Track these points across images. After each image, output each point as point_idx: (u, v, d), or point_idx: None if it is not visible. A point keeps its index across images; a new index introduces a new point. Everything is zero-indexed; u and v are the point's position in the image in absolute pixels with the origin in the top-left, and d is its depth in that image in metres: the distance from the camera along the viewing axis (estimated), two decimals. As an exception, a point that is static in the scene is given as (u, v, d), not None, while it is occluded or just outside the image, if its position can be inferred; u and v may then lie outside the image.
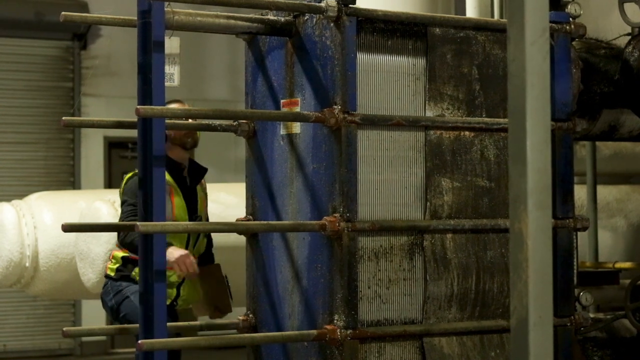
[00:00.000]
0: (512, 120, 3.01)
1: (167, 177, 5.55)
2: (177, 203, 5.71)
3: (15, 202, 7.86)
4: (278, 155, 4.86)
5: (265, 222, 4.90)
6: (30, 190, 9.35)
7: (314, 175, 4.63)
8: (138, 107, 4.31)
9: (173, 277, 5.64)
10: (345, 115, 4.51)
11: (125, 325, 5.12)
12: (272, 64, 4.91)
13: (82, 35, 11.97)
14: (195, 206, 5.82)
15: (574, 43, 5.20)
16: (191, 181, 5.88)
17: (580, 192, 8.62)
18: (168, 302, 5.56)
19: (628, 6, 5.66)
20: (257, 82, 5.01)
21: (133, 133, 4.68)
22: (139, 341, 4.22)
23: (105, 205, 7.08)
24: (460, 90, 4.87)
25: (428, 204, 4.75)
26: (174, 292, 5.73)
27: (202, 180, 5.98)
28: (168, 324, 4.49)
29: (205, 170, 5.96)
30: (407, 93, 4.76)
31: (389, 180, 4.69)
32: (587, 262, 8.29)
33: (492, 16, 7.48)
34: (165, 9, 4.48)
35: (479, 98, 4.91)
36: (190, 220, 5.71)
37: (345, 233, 4.48)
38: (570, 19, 5.08)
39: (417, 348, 4.68)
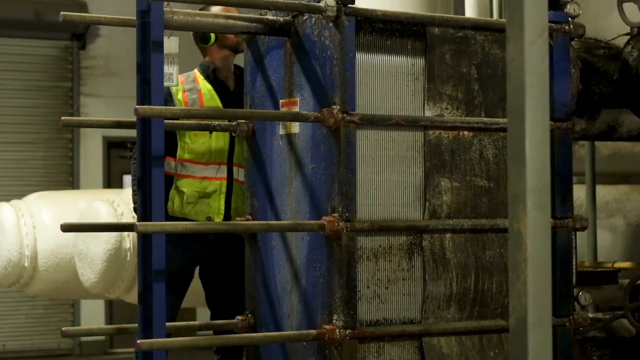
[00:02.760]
0: (511, 120, 3.01)
1: (202, 82, 5.43)
2: (207, 103, 5.41)
3: (15, 202, 7.86)
4: (277, 155, 4.86)
5: (264, 222, 4.90)
6: (29, 190, 9.35)
7: (313, 175, 4.63)
8: (137, 107, 4.31)
9: (211, 187, 5.39)
10: (344, 115, 4.51)
11: (124, 325, 5.11)
12: (271, 64, 4.91)
13: (81, 35, 11.98)
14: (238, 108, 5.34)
15: (573, 43, 5.20)
16: (238, 85, 5.48)
17: (579, 192, 8.62)
18: (219, 219, 5.36)
19: (627, 6, 5.66)
20: (256, 82, 5.01)
21: (132, 133, 4.68)
22: (138, 341, 4.22)
23: (104, 205, 7.08)
24: (459, 90, 4.87)
25: (427, 203, 4.75)
26: (219, 203, 5.40)
27: None
28: (167, 323, 4.49)
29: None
30: (406, 93, 4.76)
31: (388, 180, 4.69)
32: (586, 261, 8.29)
33: (491, 16, 7.48)
34: (164, 8, 4.48)
35: (478, 98, 4.91)
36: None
37: (344, 233, 4.48)
38: (569, 18, 5.08)
39: (416, 348, 4.68)
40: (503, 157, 4.91)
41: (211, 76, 5.47)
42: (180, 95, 5.39)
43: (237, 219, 5.18)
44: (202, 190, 5.36)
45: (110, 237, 6.84)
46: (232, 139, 5.40)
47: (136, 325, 4.53)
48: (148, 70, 4.42)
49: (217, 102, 5.43)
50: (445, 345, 4.74)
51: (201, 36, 5.42)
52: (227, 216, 5.39)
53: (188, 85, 5.43)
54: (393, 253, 4.66)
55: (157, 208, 4.38)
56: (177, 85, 5.12)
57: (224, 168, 5.40)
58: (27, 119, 11.86)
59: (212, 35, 5.41)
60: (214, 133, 5.36)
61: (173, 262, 5.23)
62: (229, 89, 5.49)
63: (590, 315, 5.37)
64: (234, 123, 5.06)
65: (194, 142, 5.38)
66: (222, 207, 5.38)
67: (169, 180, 5.34)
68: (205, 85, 5.44)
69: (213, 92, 5.44)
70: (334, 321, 4.49)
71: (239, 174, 5.41)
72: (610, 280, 6.72)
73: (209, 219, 5.36)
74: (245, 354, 5.09)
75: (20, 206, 7.68)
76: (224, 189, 5.38)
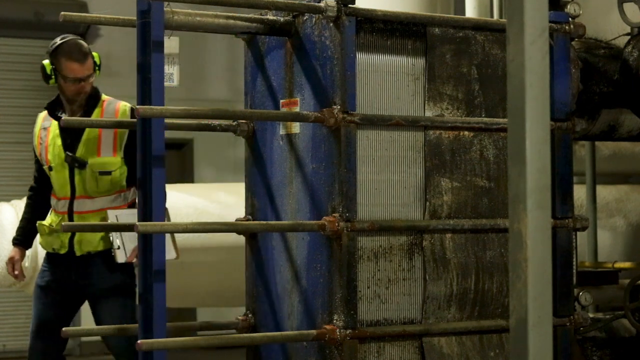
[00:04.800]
0: (511, 120, 3.01)
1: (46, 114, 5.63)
2: (50, 140, 5.59)
3: (15, 202, 7.87)
4: (277, 155, 4.86)
5: (265, 222, 4.90)
6: (29, 190, 9.33)
7: (313, 175, 4.63)
8: (137, 107, 4.31)
9: (58, 221, 5.56)
10: (345, 115, 4.51)
11: (125, 325, 5.11)
12: (272, 64, 4.91)
13: (81, 35, 11.93)
14: (75, 143, 5.55)
15: (573, 43, 5.20)
16: (86, 114, 5.57)
17: (580, 192, 8.63)
18: (63, 252, 5.56)
19: (627, 6, 5.66)
20: (257, 82, 5.01)
21: (132, 133, 4.69)
22: (138, 341, 4.22)
23: (104, 205, 7.06)
24: (460, 90, 4.87)
25: (427, 203, 4.75)
26: (62, 237, 5.58)
27: (102, 109, 5.62)
28: (168, 324, 4.49)
29: (97, 99, 5.62)
30: (407, 93, 4.76)
31: (388, 180, 4.69)
32: (586, 262, 8.30)
33: (492, 16, 7.49)
34: (165, 9, 4.48)
35: (478, 98, 4.91)
36: (65, 157, 5.53)
37: (344, 233, 4.48)
38: (570, 18, 5.08)
39: (417, 348, 4.68)
40: (503, 157, 4.91)
41: (50, 112, 5.63)
42: (37, 129, 5.66)
43: (237, 219, 5.17)
44: (51, 224, 5.61)
45: (110, 237, 6.83)
46: (71, 173, 5.53)
47: (136, 325, 4.54)
48: (148, 70, 4.42)
49: (58, 138, 5.57)
50: (445, 346, 4.74)
51: (43, 76, 5.60)
52: (71, 248, 5.57)
53: (47, 121, 5.66)
54: (393, 253, 4.66)
55: (157, 208, 4.38)
56: (177, 85, 5.14)
57: (66, 202, 5.58)
58: (27, 119, 11.81)
59: (52, 80, 5.56)
60: (53, 170, 5.56)
61: (42, 277, 5.68)
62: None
63: (591, 315, 5.37)
64: (234, 123, 5.06)
65: (52, 178, 5.61)
66: (66, 241, 5.57)
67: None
68: (53, 122, 5.61)
69: (57, 127, 5.59)
70: (335, 321, 4.49)
71: (84, 205, 5.54)
72: (610, 280, 6.71)
73: (54, 249, 5.61)
74: (245, 354, 5.09)
75: (20, 206, 7.68)
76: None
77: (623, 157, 9.41)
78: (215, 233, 6.67)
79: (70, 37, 5.61)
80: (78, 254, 5.56)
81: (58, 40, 5.58)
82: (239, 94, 5.63)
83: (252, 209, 5.04)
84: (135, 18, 4.51)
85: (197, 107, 5.07)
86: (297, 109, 4.73)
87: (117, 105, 5.61)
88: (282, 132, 4.84)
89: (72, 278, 5.62)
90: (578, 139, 6.05)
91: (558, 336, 4.93)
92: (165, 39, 4.48)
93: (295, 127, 4.76)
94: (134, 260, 5.49)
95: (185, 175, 12.41)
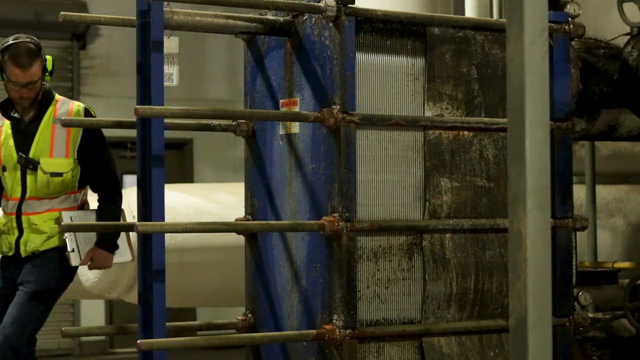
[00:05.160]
0: (511, 120, 3.01)
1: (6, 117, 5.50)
2: (3, 141, 5.46)
3: (15, 202, 7.84)
4: (277, 155, 4.86)
5: (264, 222, 4.91)
6: (29, 190, 9.32)
7: (313, 175, 4.63)
8: (137, 107, 4.31)
9: (7, 223, 5.43)
10: (344, 115, 4.51)
11: (124, 325, 5.11)
12: (271, 64, 4.91)
13: (81, 35, 11.97)
14: (28, 143, 5.42)
15: (573, 43, 5.20)
16: (35, 117, 5.45)
17: (579, 192, 8.62)
18: (11, 254, 5.39)
19: (627, 6, 5.66)
20: (256, 82, 5.01)
21: (132, 133, 4.69)
22: (138, 341, 4.22)
23: (104, 205, 7.06)
24: (459, 90, 4.87)
25: (427, 203, 4.76)
26: (10, 239, 5.43)
27: (54, 109, 5.48)
28: (168, 323, 4.50)
29: (50, 99, 5.49)
30: (406, 93, 4.76)
31: (388, 180, 4.69)
32: (586, 261, 8.29)
33: (491, 16, 7.48)
34: (165, 8, 4.48)
35: (478, 98, 4.91)
36: (17, 159, 5.39)
37: (344, 233, 4.48)
38: (570, 18, 5.09)
39: (416, 348, 4.69)
40: (503, 157, 4.91)
41: (2, 112, 5.51)
42: None
43: (237, 219, 5.17)
44: None
45: (110, 237, 6.82)
46: (23, 174, 5.41)
47: (136, 325, 4.54)
48: (148, 70, 4.42)
49: (10, 138, 5.44)
50: (445, 345, 4.74)
51: None
52: (17, 250, 5.40)
53: None
54: (393, 253, 4.66)
55: (157, 208, 4.38)
56: (177, 85, 5.13)
57: (16, 203, 5.44)
58: (27, 119, 11.84)
59: None
60: (7, 170, 5.45)
61: None
62: (23, 121, 5.46)
63: (590, 315, 5.37)
64: (234, 123, 5.06)
65: (4, 178, 5.49)
66: (13, 243, 5.42)
67: None
68: (6, 122, 5.49)
69: (9, 127, 5.47)
70: (334, 321, 4.49)
71: (32, 207, 5.41)
72: (610, 280, 6.72)
73: (3, 252, 5.45)
74: (245, 354, 5.09)
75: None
76: (14, 224, 5.43)
77: (623, 157, 9.40)
78: (215, 233, 6.67)
79: (22, 39, 5.44)
80: (24, 255, 5.39)
81: (10, 40, 5.44)
82: (239, 94, 5.63)
83: (251, 209, 5.04)
84: (135, 18, 4.52)
85: (197, 107, 5.08)
86: (296, 109, 4.74)
87: (71, 105, 5.51)
88: (281, 132, 4.84)
89: (17, 280, 5.42)
90: (578, 139, 6.06)
91: (558, 336, 4.93)
92: (165, 39, 4.48)
93: (295, 127, 4.76)
94: (88, 263, 5.39)
95: (185, 175, 12.41)
